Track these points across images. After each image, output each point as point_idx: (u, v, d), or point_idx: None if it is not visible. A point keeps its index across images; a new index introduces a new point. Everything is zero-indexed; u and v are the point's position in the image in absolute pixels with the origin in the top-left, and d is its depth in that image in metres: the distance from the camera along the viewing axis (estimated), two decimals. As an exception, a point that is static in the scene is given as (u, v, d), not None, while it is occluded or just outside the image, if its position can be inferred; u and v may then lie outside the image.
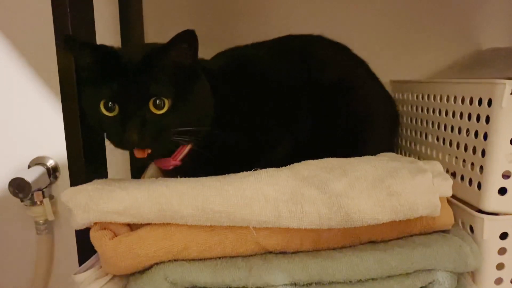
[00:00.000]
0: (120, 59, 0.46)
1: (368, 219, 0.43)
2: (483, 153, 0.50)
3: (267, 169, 0.47)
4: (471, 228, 0.51)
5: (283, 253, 0.46)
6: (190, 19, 0.86)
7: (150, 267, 0.44)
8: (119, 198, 0.42)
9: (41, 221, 0.86)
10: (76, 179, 0.51)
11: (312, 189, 0.44)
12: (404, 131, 0.76)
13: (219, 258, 0.45)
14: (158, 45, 0.48)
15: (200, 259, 0.44)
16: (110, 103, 0.46)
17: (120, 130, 0.45)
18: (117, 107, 0.46)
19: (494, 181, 0.49)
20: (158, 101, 0.46)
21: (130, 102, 0.45)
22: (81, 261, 0.50)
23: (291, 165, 0.49)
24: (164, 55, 0.47)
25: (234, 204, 0.42)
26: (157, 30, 0.85)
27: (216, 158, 0.52)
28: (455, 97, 0.57)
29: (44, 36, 0.79)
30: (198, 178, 0.46)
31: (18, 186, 0.78)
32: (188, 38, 0.47)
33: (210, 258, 0.45)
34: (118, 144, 0.47)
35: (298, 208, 0.43)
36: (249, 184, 0.44)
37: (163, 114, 0.46)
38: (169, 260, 0.44)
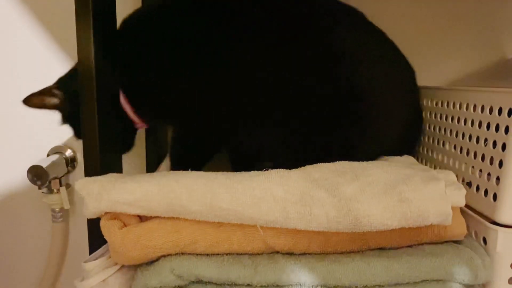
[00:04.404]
0: None
1: (377, 224, 0.42)
2: (500, 163, 0.49)
3: (278, 169, 0.47)
4: (484, 240, 0.50)
5: (291, 254, 0.46)
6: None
7: (158, 259, 0.44)
8: (131, 189, 0.43)
9: (57, 209, 0.88)
10: (91, 173, 0.52)
11: (322, 192, 0.44)
12: (422, 138, 0.74)
13: (226, 254, 0.45)
14: None
15: (207, 254, 0.45)
16: None
17: None
18: None
19: (510, 192, 0.48)
20: None
21: None
22: (92, 250, 0.51)
23: (303, 167, 0.49)
24: None
25: (243, 202, 0.42)
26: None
27: None
28: (474, 105, 0.56)
29: (65, 24, 0.80)
30: (209, 174, 0.46)
31: (36, 174, 0.80)
32: None
33: (217, 254, 0.45)
34: None
35: (307, 210, 0.42)
36: (258, 184, 0.44)
37: None
38: (177, 254, 0.44)
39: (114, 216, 0.44)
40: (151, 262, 0.45)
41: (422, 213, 0.43)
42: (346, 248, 0.47)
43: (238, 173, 0.47)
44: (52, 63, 0.86)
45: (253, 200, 0.43)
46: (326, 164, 0.50)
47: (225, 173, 0.47)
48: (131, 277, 0.46)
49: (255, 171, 0.47)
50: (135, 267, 0.46)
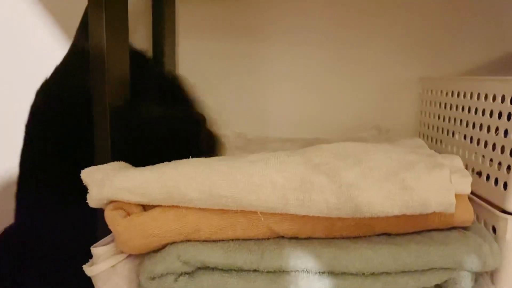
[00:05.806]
0: None
1: (377, 212, 0.42)
2: (511, 152, 0.49)
3: (278, 154, 0.47)
4: (494, 229, 0.50)
5: (297, 240, 0.46)
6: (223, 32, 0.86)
7: (163, 247, 0.45)
8: (131, 176, 0.44)
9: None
10: (101, 162, 0.52)
11: (322, 177, 0.43)
12: (431, 128, 0.74)
13: (232, 240, 0.45)
14: None
15: (213, 241, 0.45)
16: None
17: None
18: None
19: (520, 181, 0.47)
20: None
21: None
22: (101, 237, 0.51)
23: (303, 150, 0.48)
24: None
25: (241, 189, 0.43)
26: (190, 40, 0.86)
27: None
28: (486, 95, 0.55)
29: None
30: (209, 161, 0.46)
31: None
32: None
33: (223, 240, 0.45)
34: None
35: (306, 196, 0.42)
36: (257, 170, 0.44)
37: None
38: (182, 241, 0.45)
39: (118, 206, 0.45)
40: (158, 250, 0.45)
41: (424, 202, 0.42)
42: (351, 234, 0.46)
43: (238, 159, 0.47)
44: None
45: (251, 187, 0.42)
46: (328, 146, 0.49)
47: (225, 159, 0.47)
48: (139, 264, 0.47)
49: (255, 155, 0.47)
50: (143, 255, 0.46)
